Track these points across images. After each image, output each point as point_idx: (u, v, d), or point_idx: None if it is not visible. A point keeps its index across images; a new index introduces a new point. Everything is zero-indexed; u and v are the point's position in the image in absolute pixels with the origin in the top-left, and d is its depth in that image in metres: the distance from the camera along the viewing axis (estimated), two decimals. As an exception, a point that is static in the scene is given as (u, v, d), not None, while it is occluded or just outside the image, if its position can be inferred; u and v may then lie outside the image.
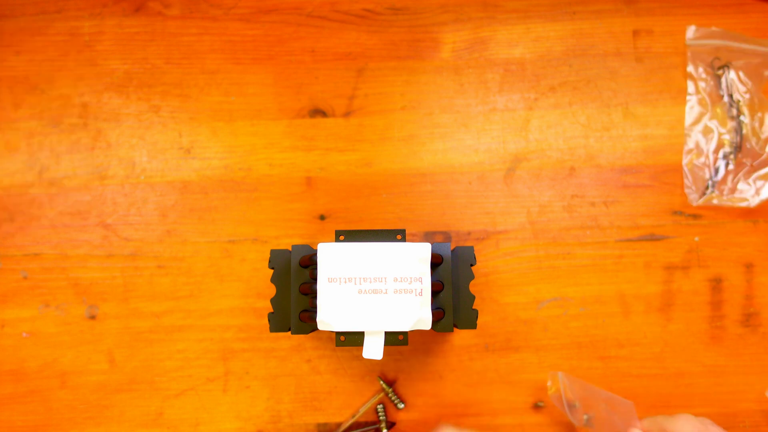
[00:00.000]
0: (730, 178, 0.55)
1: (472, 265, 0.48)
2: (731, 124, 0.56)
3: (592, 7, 0.59)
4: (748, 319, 0.55)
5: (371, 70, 0.58)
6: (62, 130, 0.58)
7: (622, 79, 0.58)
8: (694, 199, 0.55)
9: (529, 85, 0.58)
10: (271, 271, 0.53)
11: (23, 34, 0.59)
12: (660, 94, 0.58)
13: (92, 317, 0.55)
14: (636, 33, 0.59)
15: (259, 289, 0.56)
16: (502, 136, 0.58)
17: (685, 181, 0.56)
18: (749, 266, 0.56)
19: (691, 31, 0.58)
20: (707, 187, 0.55)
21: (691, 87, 0.58)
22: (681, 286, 0.56)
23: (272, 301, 0.47)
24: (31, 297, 0.56)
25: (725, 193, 0.55)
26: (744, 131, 0.56)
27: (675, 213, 0.56)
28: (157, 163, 0.57)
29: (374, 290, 0.45)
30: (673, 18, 0.59)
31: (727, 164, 0.55)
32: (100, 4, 0.59)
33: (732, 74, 0.56)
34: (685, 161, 0.56)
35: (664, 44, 0.58)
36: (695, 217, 0.56)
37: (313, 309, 0.46)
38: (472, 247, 0.48)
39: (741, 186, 0.55)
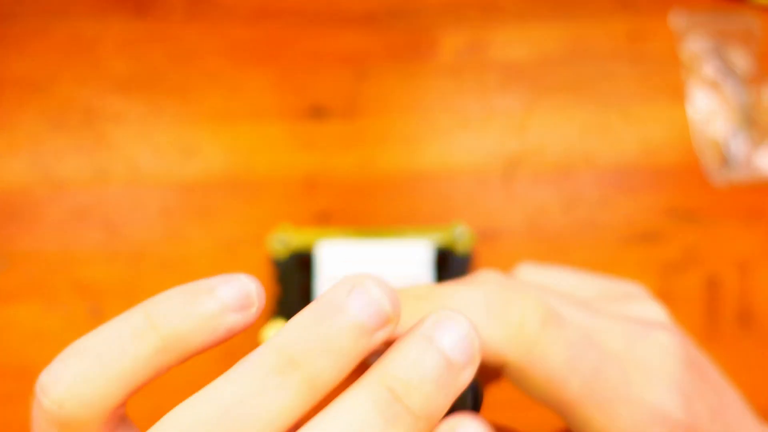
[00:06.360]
0: (744, 153, 0.56)
1: (472, 266, 0.48)
2: (735, 100, 0.56)
3: (589, 8, 0.59)
4: (745, 318, 0.56)
5: (371, 71, 0.59)
6: (65, 131, 0.58)
7: (620, 79, 0.59)
8: (716, 179, 0.55)
9: (527, 87, 0.59)
10: (272, 271, 0.53)
11: (26, 36, 0.59)
12: (658, 94, 0.58)
13: (96, 317, 0.56)
14: (633, 34, 0.59)
15: (261, 288, 0.56)
16: (500, 137, 0.58)
17: (703, 163, 0.56)
18: (746, 266, 0.56)
19: (678, 19, 0.58)
20: (725, 165, 0.55)
21: (687, 72, 0.58)
22: (678, 286, 0.56)
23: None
24: (35, 297, 0.56)
25: (744, 168, 0.55)
26: (748, 106, 0.56)
27: (672, 213, 0.57)
28: (159, 164, 0.58)
29: (374, 290, 0.45)
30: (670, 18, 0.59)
31: (739, 140, 0.56)
32: (103, 7, 0.60)
33: (726, 52, 0.57)
34: (697, 145, 0.56)
35: (662, 45, 0.59)
36: (692, 217, 0.57)
37: (313, 308, 0.46)
38: (471, 248, 0.48)
39: (758, 159, 0.55)
